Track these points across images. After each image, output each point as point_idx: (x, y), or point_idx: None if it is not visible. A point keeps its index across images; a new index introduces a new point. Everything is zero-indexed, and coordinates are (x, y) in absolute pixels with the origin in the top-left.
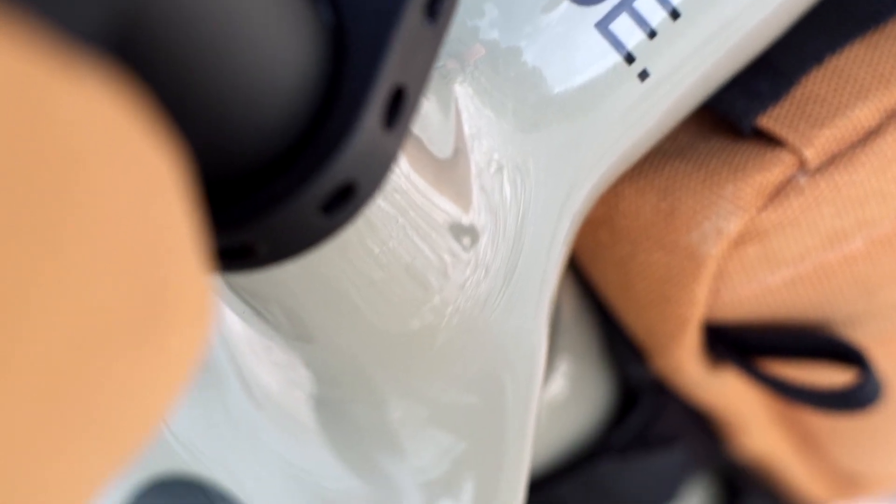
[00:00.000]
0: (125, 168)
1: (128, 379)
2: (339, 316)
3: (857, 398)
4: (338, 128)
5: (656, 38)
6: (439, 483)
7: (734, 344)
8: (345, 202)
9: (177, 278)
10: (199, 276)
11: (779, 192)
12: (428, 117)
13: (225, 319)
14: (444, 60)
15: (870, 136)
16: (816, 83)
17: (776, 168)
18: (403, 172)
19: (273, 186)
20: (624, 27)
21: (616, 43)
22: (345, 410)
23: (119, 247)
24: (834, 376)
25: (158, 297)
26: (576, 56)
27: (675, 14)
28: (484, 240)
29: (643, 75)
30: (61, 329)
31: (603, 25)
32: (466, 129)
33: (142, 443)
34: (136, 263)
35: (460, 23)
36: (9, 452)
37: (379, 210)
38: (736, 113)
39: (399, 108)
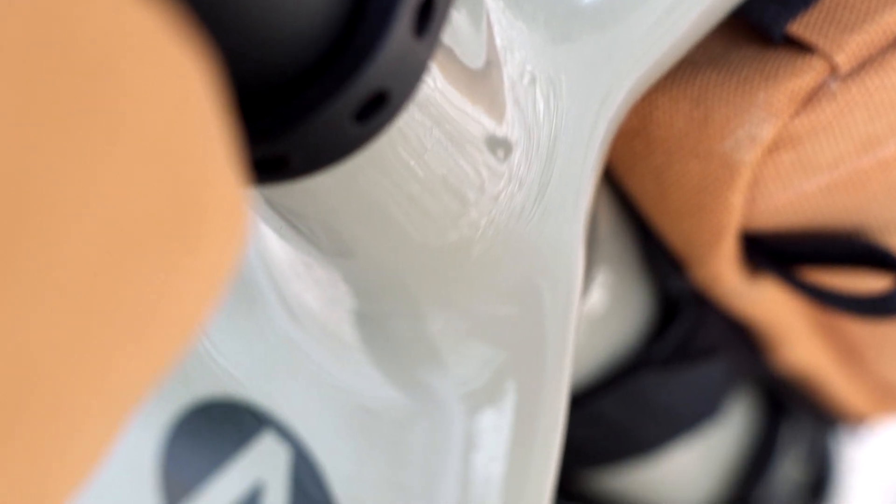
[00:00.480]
0: (157, 73)
1: (163, 285)
2: (376, 229)
3: (894, 304)
4: (368, 36)
5: None
6: (481, 393)
7: (772, 252)
8: (378, 110)
9: (210, 184)
10: (232, 183)
11: (811, 98)
12: (459, 28)
13: (263, 240)
14: None
15: None
16: None
17: (807, 74)
18: (436, 83)
19: (306, 95)
20: None
21: None
22: (386, 325)
23: (152, 152)
24: (872, 283)
25: (192, 203)
26: None
27: None
28: (518, 152)
29: None
30: (96, 234)
31: None
32: (498, 41)
33: (179, 352)
34: (170, 169)
35: None
36: (48, 362)
37: (412, 120)
38: (766, 21)
39: (429, 16)
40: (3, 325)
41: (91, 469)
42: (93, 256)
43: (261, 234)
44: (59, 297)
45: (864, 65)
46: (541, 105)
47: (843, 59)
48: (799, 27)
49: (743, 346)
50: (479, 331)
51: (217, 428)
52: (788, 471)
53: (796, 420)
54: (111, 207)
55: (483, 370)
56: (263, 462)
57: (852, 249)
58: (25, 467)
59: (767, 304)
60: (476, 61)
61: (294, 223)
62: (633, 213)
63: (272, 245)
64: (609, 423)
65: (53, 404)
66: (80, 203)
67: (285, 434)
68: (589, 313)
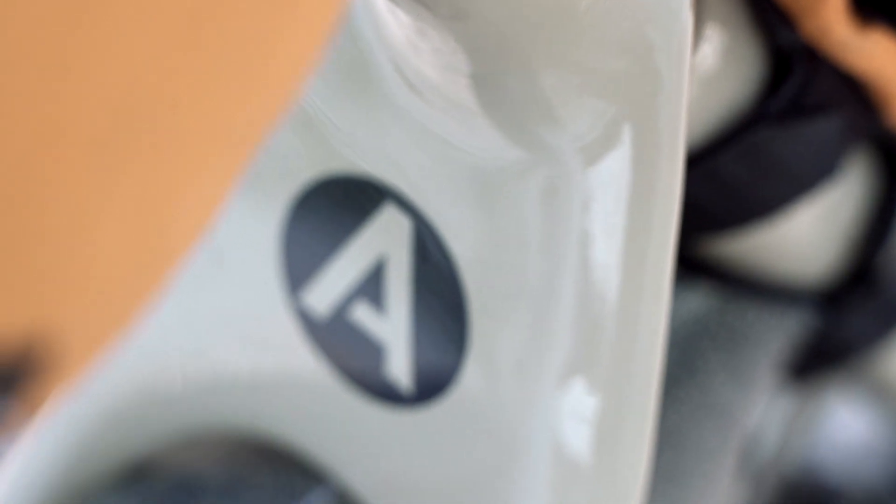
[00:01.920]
0: None
1: (267, 27)
2: None
3: None
4: None
5: None
6: (597, 145)
7: (881, 4)
8: None
9: None
10: None
11: None
12: None
13: (377, 14)
14: None
15: None
16: None
17: None
18: None
19: None
20: None
21: None
22: (501, 86)
23: None
24: None
25: None
26: None
27: None
28: None
29: None
30: None
31: None
32: None
33: (289, 98)
34: None
35: None
36: (164, 93)
37: None
38: None
39: None
40: (118, 51)
41: (210, 216)
42: None
43: (375, 9)
44: (169, 31)
45: None
46: None
47: None
48: None
49: (857, 102)
50: (592, 85)
51: (337, 204)
52: None
53: None
54: None
55: (598, 124)
56: (385, 235)
57: None
58: (148, 198)
59: (879, 59)
60: None
61: None
62: None
63: (386, 18)
64: (727, 181)
65: (174, 135)
66: None
67: (406, 205)
68: (701, 71)
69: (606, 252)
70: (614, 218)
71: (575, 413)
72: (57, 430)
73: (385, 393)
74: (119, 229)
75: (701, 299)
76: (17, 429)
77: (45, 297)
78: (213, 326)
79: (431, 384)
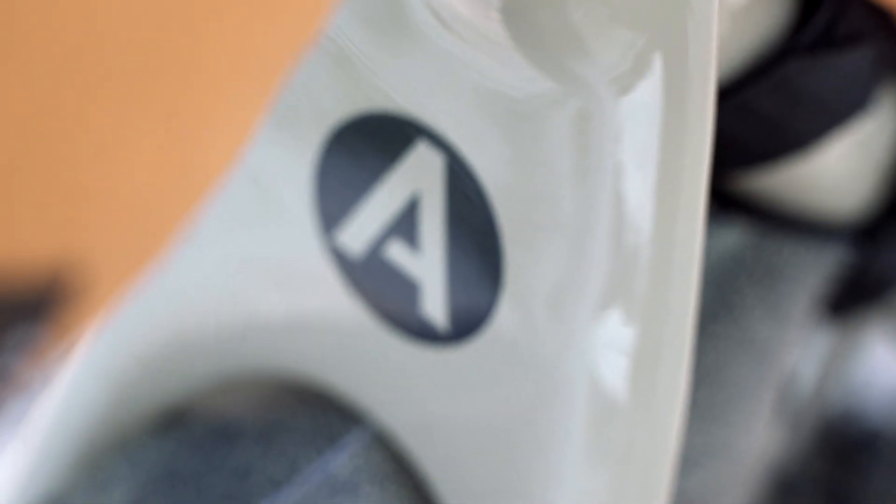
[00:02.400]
0: None
1: None
2: None
3: None
4: None
5: None
6: (628, 76)
7: None
8: None
9: None
10: None
11: None
12: None
13: None
14: None
15: None
16: None
17: None
18: None
19: None
20: None
21: None
22: (531, 20)
23: None
24: None
25: None
26: None
27: None
28: None
29: None
30: None
31: None
32: None
33: (311, 32)
34: None
35: None
36: None
37: None
38: None
39: None
40: None
41: (237, 146)
42: None
43: None
44: None
45: None
46: None
47: None
48: None
49: (888, 34)
50: (622, 16)
51: (370, 142)
52: None
53: None
54: None
55: (628, 55)
56: (418, 172)
57: None
58: (175, 126)
59: None
60: None
61: None
62: None
63: None
64: (759, 115)
65: (199, 64)
66: None
67: (438, 142)
68: (730, 3)
69: (640, 182)
70: (647, 148)
71: (611, 345)
72: (91, 376)
73: (421, 331)
74: (147, 156)
75: (737, 235)
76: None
77: (75, 222)
78: (246, 268)
79: (467, 321)
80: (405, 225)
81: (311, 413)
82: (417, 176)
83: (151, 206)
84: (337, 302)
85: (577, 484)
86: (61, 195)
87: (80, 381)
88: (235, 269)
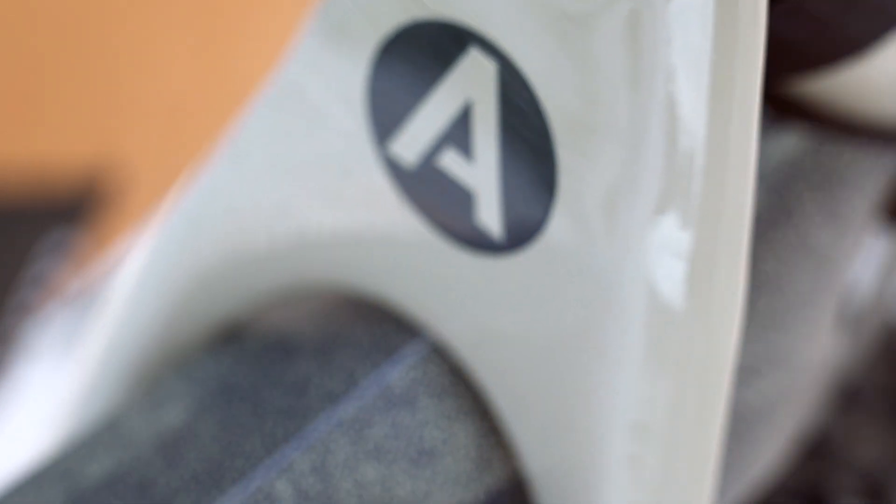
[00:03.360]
0: None
1: None
2: None
3: None
4: None
5: None
6: None
7: None
8: None
9: None
10: None
11: None
12: None
13: None
14: None
15: None
16: None
17: None
18: None
19: None
20: None
21: None
22: None
23: None
24: None
25: None
26: None
27: None
28: None
29: None
30: None
31: None
32: None
33: None
34: None
35: None
36: None
37: None
38: None
39: None
40: None
41: (276, 53)
42: None
43: None
44: None
45: None
46: None
47: None
48: None
49: None
50: None
51: (422, 51)
52: None
53: None
54: None
55: None
56: (471, 80)
57: None
58: (214, 29)
59: None
60: None
61: None
62: None
63: None
64: (813, 17)
65: None
66: None
67: (490, 49)
68: None
69: (693, 85)
70: (699, 51)
71: (668, 249)
72: (145, 294)
73: (476, 241)
74: (184, 60)
75: (794, 141)
76: (87, 265)
77: (112, 125)
78: (299, 181)
79: (522, 230)
80: (458, 133)
81: (367, 326)
82: (470, 83)
83: (189, 110)
84: (392, 213)
85: (636, 392)
86: (98, 97)
87: (133, 299)
88: (282, 181)
